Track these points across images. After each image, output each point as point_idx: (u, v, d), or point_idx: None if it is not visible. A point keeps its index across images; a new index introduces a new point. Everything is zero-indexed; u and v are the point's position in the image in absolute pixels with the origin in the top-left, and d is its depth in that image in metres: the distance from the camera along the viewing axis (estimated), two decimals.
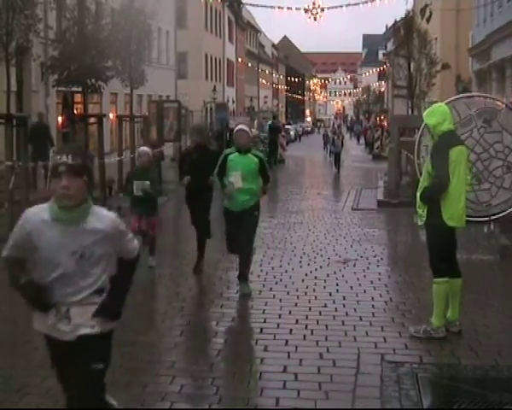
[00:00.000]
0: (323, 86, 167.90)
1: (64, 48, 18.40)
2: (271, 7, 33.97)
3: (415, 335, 7.33)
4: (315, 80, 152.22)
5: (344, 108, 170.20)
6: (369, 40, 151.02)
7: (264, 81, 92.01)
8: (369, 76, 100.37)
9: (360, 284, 9.72)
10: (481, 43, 36.32)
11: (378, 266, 11.06)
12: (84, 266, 4.07)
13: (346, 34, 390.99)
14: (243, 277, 9.18)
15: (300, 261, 11.32)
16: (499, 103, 11.83)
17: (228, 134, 33.59)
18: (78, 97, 21.88)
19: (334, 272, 10.50)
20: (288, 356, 6.73)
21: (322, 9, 33.05)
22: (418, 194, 7.40)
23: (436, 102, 16.33)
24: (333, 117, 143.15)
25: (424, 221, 7.39)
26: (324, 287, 9.56)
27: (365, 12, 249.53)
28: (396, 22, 79.20)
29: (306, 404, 5.65)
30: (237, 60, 73.04)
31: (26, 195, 12.52)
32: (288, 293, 9.19)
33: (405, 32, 46.25)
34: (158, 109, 23.97)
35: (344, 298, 8.94)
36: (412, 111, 44.27)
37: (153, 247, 10.77)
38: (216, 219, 11.10)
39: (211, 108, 53.31)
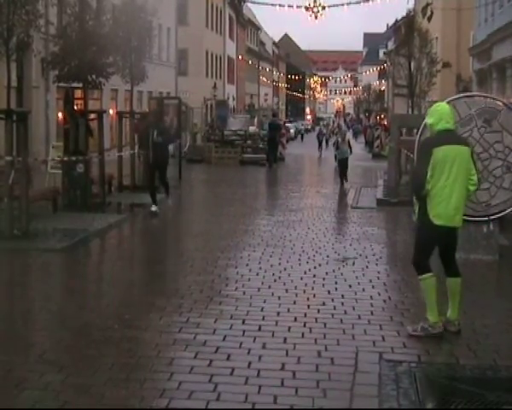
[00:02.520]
0: (324, 84, 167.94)
1: (65, 43, 18.33)
2: (272, 4, 34.01)
3: (413, 334, 7.35)
4: (315, 78, 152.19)
5: (344, 106, 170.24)
6: (369, 39, 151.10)
7: (264, 79, 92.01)
8: (369, 75, 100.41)
9: (359, 283, 9.73)
10: (482, 42, 36.34)
11: (377, 264, 11.06)
12: None
13: (347, 32, 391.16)
14: None
15: (299, 259, 11.32)
16: (500, 103, 11.82)
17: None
18: (78, 93, 21.84)
19: (333, 271, 10.50)
20: (287, 354, 6.73)
21: (323, 7, 33.09)
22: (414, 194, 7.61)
23: (436, 101, 16.33)
24: (333, 115, 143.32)
25: (416, 218, 7.56)
26: (323, 285, 9.56)
27: (366, 10, 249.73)
28: (397, 21, 79.27)
29: (304, 402, 5.66)
30: (238, 57, 73.01)
31: (26, 190, 12.52)
32: (286, 291, 9.20)
33: (406, 31, 46.26)
34: (158, 106, 23.97)
35: (343, 296, 8.94)
36: (412, 110, 44.25)
37: None
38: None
39: (211, 105, 53.32)
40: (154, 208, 16.19)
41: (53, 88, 26.05)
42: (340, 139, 26.34)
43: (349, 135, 33.44)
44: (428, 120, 7.54)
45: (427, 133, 11.44)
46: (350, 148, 25.78)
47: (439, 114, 7.46)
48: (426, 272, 7.44)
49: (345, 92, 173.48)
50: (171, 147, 31.14)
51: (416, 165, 7.47)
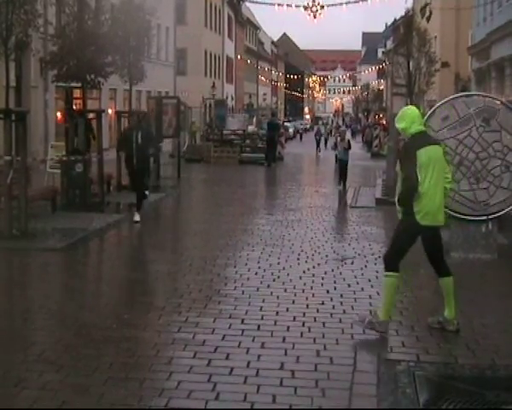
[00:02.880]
0: (322, 84, 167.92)
1: (63, 43, 18.35)
2: (271, 4, 34.00)
3: (359, 324, 7.43)
4: (314, 78, 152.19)
5: (343, 105, 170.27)
6: (368, 38, 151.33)
7: (263, 78, 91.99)
8: (368, 74, 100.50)
9: (358, 282, 9.73)
10: (481, 42, 36.36)
11: (376, 264, 11.05)
12: None
13: (346, 32, 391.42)
14: None
15: (298, 259, 11.32)
16: (498, 102, 11.83)
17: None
18: (77, 93, 21.86)
19: (332, 270, 10.50)
20: (285, 353, 6.74)
21: (322, 7, 33.05)
22: (396, 198, 7.52)
23: (435, 100, 16.35)
24: (331, 115, 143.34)
25: (401, 219, 7.56)
26: (322, 284, 9.57)
27: (365, 10, 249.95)
28: (396, 20, 79.34)
29: (303, 401, 5.66)
30: (236, 57, 73.02)
31: (25, 190, 12.52)
32: (285, 290, 9.20)
33: (405, 30, 46.29)
34: (157, 105, 23.94)
35: (341, 296, 8.95)
36: None
37: None
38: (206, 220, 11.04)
39: (210, 105, 53.33)
40: (138, 217, 14.87)
41: (52, 88, 26.06)
42: (339, 139, 24.40)
43: (348, 135, 32.07)
44: (400, 125, 7.55)
45: (430, 133, 11.50)
46: (350, 147, 23.62)
47: (411, 117, 7.50)
48: (394, 271, 7.49)
49: (343, 92, 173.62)
50: (170, 146, 31.25)
51: (405, 170, 7.36)
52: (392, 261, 7.54)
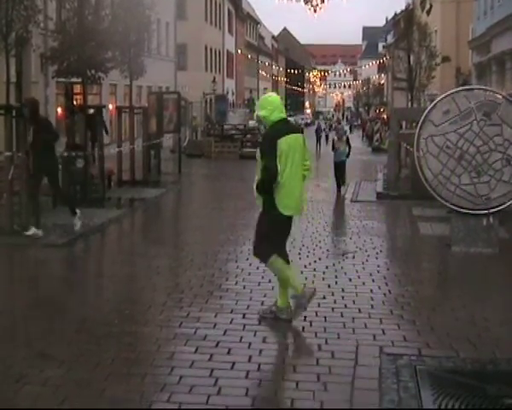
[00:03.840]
0: (323, 78, 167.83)
1: (64, 39, 18.40)
2: None
3: (264, 316, 7.52)
4: (315, 72, 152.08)
5: (343, 100, 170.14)
6: (369, 32, 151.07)
7: (263, 73, 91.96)
8: (368, 68, 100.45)
9: (359, 277, 9.72)
10: (481, 35, 36.33)
11: (377, 258, 11.06)
12: None
13: (346, 26, 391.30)
14: None
15: (299, 253, 11.31)
16: (499, 96, 11.82)
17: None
18: (77, 88, 21.87)
19: (333, 264, 10.50)
20: (287, 348, 6.74)
21: (323, 1, 32.96)
22: (254, 185, 7.55)
23: (436, 94, 16.38)
24: (332, 109, 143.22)
25: (261, 210, 7.59)
26: (323, 279, 9.56)
27: (366, 4, 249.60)
28: (396, 15, 79.29)
29: (304, 395, 5.65)
30: (237, 51, 72.95)
31: (26, 185, 12.51)
32: None
33: (405, 24, 46.31)
34: (157, 101, 23.94)
35: (343, 290, 8.94)
36: (412, 104, 44.24)
37: None
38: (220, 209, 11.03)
39: (210, 100, 53.33)
40: (31, 231, 12.00)
41: (52, 83, 26.06)
42: (335, 138, 21.59)
43: (347, 132, 29.46)
44: (261, 113, 7.44)
45: (427, 127, 11.50)
46: (349, 147, 20.96)
47: (272, 105, 7.42)
48: (270, 256, 7.55)
49: (344, 86, 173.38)
50: (170, 142, 31.24)
51: (265, 159, 7.34)
52: (263, 252, 7.61)
